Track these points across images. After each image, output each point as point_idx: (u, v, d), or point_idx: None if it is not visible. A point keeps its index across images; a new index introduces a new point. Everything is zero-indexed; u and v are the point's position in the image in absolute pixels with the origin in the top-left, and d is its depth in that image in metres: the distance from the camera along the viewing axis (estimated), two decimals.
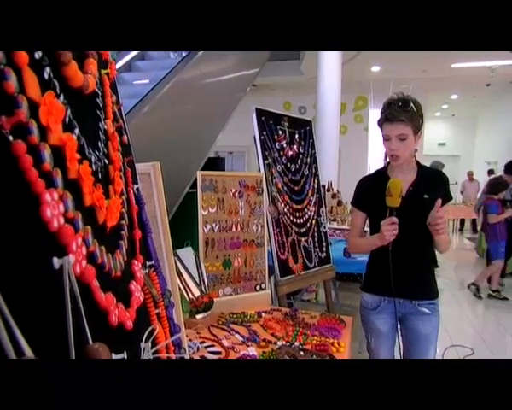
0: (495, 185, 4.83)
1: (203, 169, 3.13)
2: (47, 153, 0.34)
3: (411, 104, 1.54)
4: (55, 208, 0.32)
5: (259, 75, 5.50)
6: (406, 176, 1.65)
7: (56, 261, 0.32)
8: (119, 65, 3.41)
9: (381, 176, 1.70)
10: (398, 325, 1.74)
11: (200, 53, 3.45)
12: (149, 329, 0.52)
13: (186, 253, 1.76)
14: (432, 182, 1.66)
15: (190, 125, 3.42)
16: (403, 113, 1.52)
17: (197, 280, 1.75)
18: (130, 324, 0.45)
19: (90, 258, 0.39)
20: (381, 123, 1.60)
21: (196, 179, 1.95)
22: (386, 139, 1.59)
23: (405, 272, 1.62)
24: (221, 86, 4.16)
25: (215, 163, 4.53)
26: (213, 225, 1.91)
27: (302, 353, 1.42)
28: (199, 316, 1.67)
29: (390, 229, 1.51)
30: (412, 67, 7.13)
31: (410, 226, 1.58)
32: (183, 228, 2.06)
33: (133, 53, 3.87)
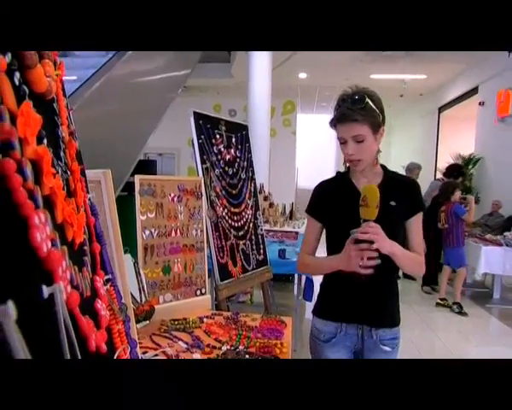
0: (447, 189, 4.67)
1: (135, 172, 3.02)
2: (28, 169, 0.31)
3: (366, 99, 1.31)
4: (43, 232, 0.30)
5: (190, 76, 5.43)
6: (370, 181, 1.41)
7: (45, 290, 0.29)
8: None
9: (343, 180, 1.48)
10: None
11: (130, 52, 3.31)
12: (121, 348, 0.49)
13: (124, 260, 1.67)
14: (399, 189, 1.43)
15: (121, 126, 3.27)
16: (357, 111, 1.29)
17: (136, 288, 1.68)
18: (104, 347, 0.43)
19: (70, 281, 0.36)
20: (334, 123, 1.37)
21: (127, 183, 1.87)
22: (342, 142, 1.36)
23: (370, 294, 1.34)
24: (152, 86, 4.04)
25: (147, 166, 4.37)
26: (152, 230, 1.86)
27: (248, 356, 1.44)
28: (139, 325, 1.61)
29: (359, 256, 1.24)
30: (336, 76, 7.54)
31: None
32: None
33: None
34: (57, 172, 0.41)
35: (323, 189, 1.52)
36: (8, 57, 0.34)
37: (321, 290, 1.56)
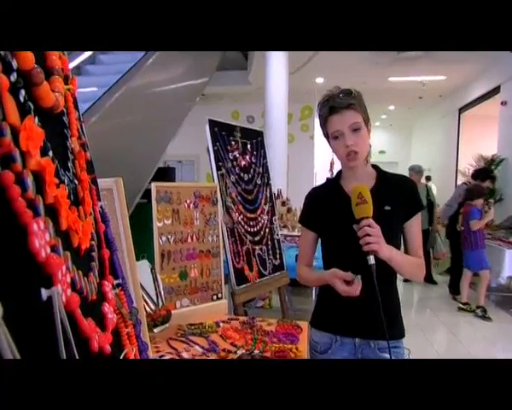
0: (472, 191, 4.60)
1: (154, 179, 3.08)
2: (29, 180, 0.33)
3: (353, 91, 1.29)
4: (41, 238, 0.32)
5: (208, 84, 5.51)
6: (364, 183, 1.30)
7: (44, 293, 0.32)
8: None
9: (335, 186, 1.41)
10: None
11: (150, 61, 3.40)
12: (125, 351, 0.51)
13: (142, 266, 1.72)
14: (395, 189, 1.35)
15: (140, 134, 3.35)
16: (350, 99, 1.26)
17: (154, 293, 1.72)
18: (108, 348, 0.45)
19: (71, 285, 0.39)
20: (325, 119, 1.31)
21: (147, 190, 1.92)
22: (337, 136, 1.28)
23: (365, 305, 1.27)
24: (171, 95, 4.12)
25: (166, 173, 4.45)
26: (169, 236, 1.89)
27: None
28: (157, 329, 1.64)
29: (350, 291, 1.22)
30: (353, 80, 7.45)
31: None
32: (134, 240, 2.01)
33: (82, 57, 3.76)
34: (63, 182, 0.43)
35: (314, 197, 1.47)
36: (14, 77, 0.36)
37: (317, 301, 1.52)
